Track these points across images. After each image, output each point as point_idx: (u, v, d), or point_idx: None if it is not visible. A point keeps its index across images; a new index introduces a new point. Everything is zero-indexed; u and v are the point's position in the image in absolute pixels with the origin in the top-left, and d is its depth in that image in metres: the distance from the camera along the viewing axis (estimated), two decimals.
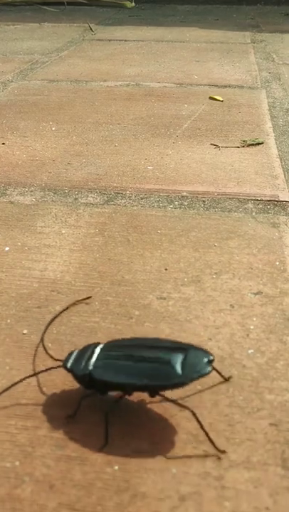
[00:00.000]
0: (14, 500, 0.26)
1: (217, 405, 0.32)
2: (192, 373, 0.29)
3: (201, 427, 0.29)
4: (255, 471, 0.28)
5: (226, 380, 0.33)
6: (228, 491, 0.27)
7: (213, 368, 0.31)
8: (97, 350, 0.31)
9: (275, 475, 0.28)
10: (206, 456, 0.29)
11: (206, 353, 0.30)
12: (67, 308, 0.38)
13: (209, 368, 0.29)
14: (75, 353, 0.32)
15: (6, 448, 0.29)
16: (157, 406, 0.32)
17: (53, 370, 0.32)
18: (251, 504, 0.26)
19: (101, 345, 0.32)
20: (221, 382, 0.33)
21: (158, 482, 0.27)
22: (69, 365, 0.31)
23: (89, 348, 0.32)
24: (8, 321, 0.39)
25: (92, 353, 0.31)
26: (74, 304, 0.38)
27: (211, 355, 0.30)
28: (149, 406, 0.32)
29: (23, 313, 0.39)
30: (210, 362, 0.30)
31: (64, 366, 0.31)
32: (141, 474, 0.28)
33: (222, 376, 0.33)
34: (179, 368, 0.29)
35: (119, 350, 0.31)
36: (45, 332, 0.37)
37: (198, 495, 0.27)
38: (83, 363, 0.30)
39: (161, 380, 0.29)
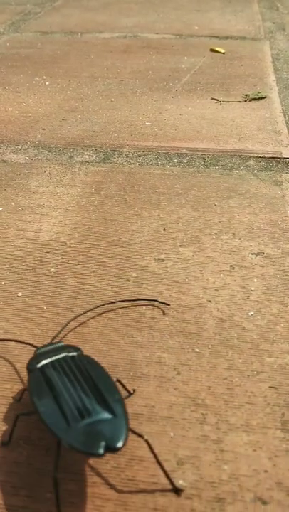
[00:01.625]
0: (10, 464, 0.26)
1: (216, 368, 0.31)
2: (79, 443, 0.23)
3: (155, 456, 0.25)
4: (254, 435, 0.27)
5: (130, 393, 0.29)
6: (227, 454, 0.27)
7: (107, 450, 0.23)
8: (57, 356, 0.27)
9: (275, 438, 0.27)
10: (204, 419, 0.28)
11: (119, 437, 0.23)
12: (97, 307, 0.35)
13: (101, 451, 0.23)
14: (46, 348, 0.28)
15: (1, 412, 0.29)
16: (155, 370, 0.31)
17: None
18: (250, 467, 0.26)
19: (65, 355, 0.28)
20: (219, 344, 0.32)
21: (155, 446, 0.27)
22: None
23: (56, 351, 0.28)
24: (2, 283, 0.38)
25: (50, 355, 0.27)
26: (153, 304, 0.35)
27: (121, 443, 0.23)
28: (145, 370, 0.31)
29: (17, 276, 0.38)
30: (110, 449, 0.23)
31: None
32: (138, 438, 0.27)
33: (126, 390, 0.29)
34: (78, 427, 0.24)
35: (66, 372, 0.26)
36: (64, 327, 0.33)
37: (197, 458, 0.26)
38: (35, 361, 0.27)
39: (55, 428, 0.24)
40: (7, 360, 0.32)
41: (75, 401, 0.25)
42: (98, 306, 0.35)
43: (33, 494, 0.25)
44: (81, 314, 0.34)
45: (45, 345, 0.29)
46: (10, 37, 0.96)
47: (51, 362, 0.27)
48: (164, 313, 0.34)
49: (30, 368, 0.27)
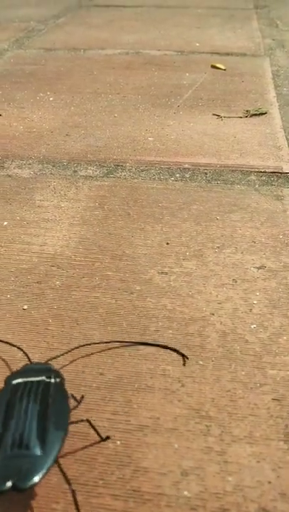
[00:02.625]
0: None
1: (219, 381, 0.31)
2: None
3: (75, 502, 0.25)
4: (257, 446, 0.28)
5: (103, 439, 0.28)
6: (231, 465, 0.27)
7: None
8: (34, 378, 0.27)
9: (278, 449, 0.28)
10: (208, 431, 0.29)
11: (30, 478, 0.23)
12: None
13: (4, 488, 0.23)
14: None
15: None
16: (159, 382, 0.31)
17: None
18: (254, 478, 0.26)
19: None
20: (222, 357, 0.33)
21: (160, 457, 0.27)
22: None
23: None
24: (8, 296, 0.38)
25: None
26: None
27: (28, 485, 0.23)
28: (150, 382, 0.31)
29: (22, 289, 0.39)
30: (16, 487, 0.23)
31: None
32: (143, 449, 0.28)
33: (99, 436, 0.28)
34: None
35: (30, 397, 0.26)
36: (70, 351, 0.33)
37: (201, 470, 0.27)
38: None
39: None
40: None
41: (17, 429, 0.25)
42: (109, 342, 0.34)
43: (41, 505, 0.25)
44: (87, 345, 0.33)
45: (35, 363, 0.29)
46: (14, 53, 0.98)
47: (24, 382, 0.27)
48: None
49: (6, 382, 0.28)
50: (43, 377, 0.28)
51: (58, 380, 0.28)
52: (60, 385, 0.28)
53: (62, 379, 0.28)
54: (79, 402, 0.29)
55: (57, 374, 0.28)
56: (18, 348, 0.33)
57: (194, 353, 0.33)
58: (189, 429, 0.29)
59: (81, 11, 1.37)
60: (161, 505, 0.25)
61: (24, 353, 0.32)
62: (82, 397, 0.30)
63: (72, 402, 0.29)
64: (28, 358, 0.31)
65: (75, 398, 0.29)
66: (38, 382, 0.27)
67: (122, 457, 0.27)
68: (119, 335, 0.35)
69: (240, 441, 0.28)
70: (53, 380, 0.27)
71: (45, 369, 0.28)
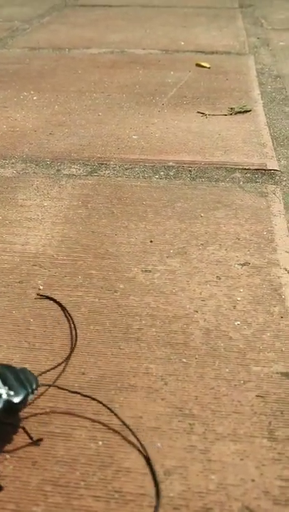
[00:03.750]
0: None
1: (203, 378, 0.31)
2: None
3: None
4: (241, 444, 0.28)
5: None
6: (214, 464, 0.27)
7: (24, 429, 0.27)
8: None
9: (262, 447, 0.27)
10: (192, 429, 0.28)
11: None
12: None
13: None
14: None
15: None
16: (142, 381, 0.31)
17: None
18: (238, 476, 0.26)
19: None
20: (206, 354, 0.33)
21: (142, 457, 0.27)
22: None
23: None
24: None
25: None
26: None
27: None
28: (133, 381, 0.31)
29: (4, 289, 0.38)
30: None
31: None
32: (125, 449, 0.27)
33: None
34: None
35: None
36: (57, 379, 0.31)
37: (184, 469, 0.26)
38: None
39: None
40: None
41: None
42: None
43: (21, 508, 0.25)
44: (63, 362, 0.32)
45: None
46: None
47: None
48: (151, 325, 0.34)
49: None
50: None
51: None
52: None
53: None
54: (35, 442, 0.28)
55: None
56: None
57: (177, 351, 0.33)
58: (172, 428, 0.28)
59: (66, 10, 1.36)
60: (143, 505, 0.25)
61: None
62: (40, 439, 0.28)
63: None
64: None
65: (31, 437, 0.28)
66: None
67: (103, 458, 0.27)
68: (102, 334, 0.34)
69: (223, 439, 0.28)
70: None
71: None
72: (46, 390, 0.30)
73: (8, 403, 0.27)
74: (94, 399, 0.29)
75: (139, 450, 0.26)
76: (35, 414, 0.29)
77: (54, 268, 0.40)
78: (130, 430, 0.27)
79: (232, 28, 1.14)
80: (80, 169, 0.55)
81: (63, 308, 0.34)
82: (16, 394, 0.27)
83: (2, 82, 0.81)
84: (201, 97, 0.75)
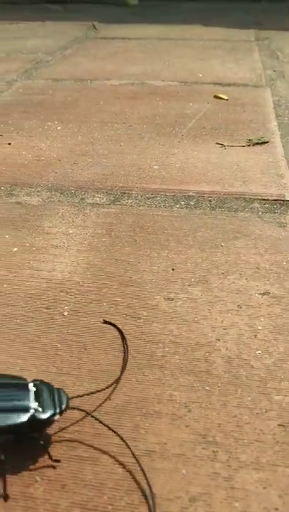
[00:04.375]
0: (27, 499, 0.27)
1: (226, 406, 0.32)
2: None
3: None
4: (264, 472, 0.28)
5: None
6: (238, 491, 0.27)
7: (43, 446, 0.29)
8: None
9: (284, 475, 0.28)
10: (215, 456, 0.29)
11: None
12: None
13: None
14: None
15: (19, 447, 0.29)
16: (166, 407, 0.32)
17: None
18: (261, 505, 0.27)
19: None
20: (228, 382, 0.33)
21: (168, 482, 0.28)
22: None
23: None
24: (18, 321, 0.39)
25: None
26: None
27: None
28: (157, 408, 0.32)
29: (32, 314, 0.40)
30: None
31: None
32: (151, 474, 0.28)
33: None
34: None
35: None
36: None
37: (208, 495, 0.27)
38: None
39: None
40: None
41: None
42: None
43: None
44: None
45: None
46: (22, 84, 1.01)
47: None
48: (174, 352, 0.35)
49: None
50: None
51: None
52: None
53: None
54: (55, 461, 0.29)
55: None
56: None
57: (200, 379, 0.34)
58: (196, 455, 0.29)
59: (87, 42, 1.41)
60: None
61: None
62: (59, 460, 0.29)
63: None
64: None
65: (50, 457, 0.29)
66: None
67: (130, 482, 0.28)
68: (127, 360, 0.35)
69: (247, 467, 0.28)
70: None
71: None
72: (82, 418, 0.31)
73: (34, 418, 0.28)
74: (115, 432, 0.30)
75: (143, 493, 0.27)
76: (64, 438, 0.30)
77: (80, 295, 0.42)
78: (142, 470, 0.28)
79: (249, 61, 1.17)
80: (103, 198, 0.57)
81: (123, 338, 0.36)
82: (44, 411, 0.28)
83: (27, 113, 0.84)
84: (219, 128, 0.77)
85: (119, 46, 1.35)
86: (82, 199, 0.57)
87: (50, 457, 0.29)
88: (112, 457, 0.29)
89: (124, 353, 0.36)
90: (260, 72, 1.07)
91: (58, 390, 0.30)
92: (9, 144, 0.72)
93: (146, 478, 0.27)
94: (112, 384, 0.33)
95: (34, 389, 0.29)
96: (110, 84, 0.99)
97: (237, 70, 1.09)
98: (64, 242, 0.49)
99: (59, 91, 0.96)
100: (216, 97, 0.91)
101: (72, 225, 0.52)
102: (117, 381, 0.33)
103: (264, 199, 0.56)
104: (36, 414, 0.28)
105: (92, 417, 0.30)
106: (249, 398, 0.32)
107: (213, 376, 0.34)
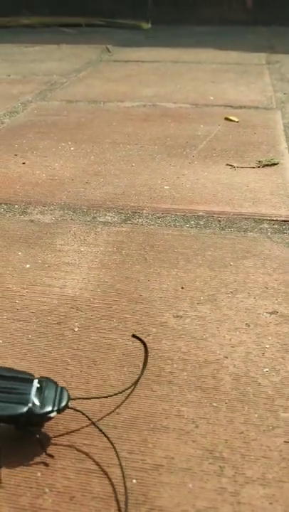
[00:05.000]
0: (36, 510, 0.27)
1: (233, 422, 0.32)
2: None
3: None
4: (270, 488, 0.28)
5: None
6: (244, 506, 0.28)
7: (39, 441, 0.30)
8: None
9: None
10: (222, 472, 0.29)
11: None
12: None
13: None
14: None
15: (29, 459, 0.30)
16: (174, 422, 0.32)
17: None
18: None
19: None
20: (236, 399, 0.34)
21: (175, 496, 0.28)
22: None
23: None
24: (30, 336, 0.40)
25: None
26: None
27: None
28: (165, 423, 0.32)
29: (43, 329, 0.41)
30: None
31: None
32: (158, 488, 0.28)
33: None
34: None
35: None
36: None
37: (215, 510, 0.27)
38: None
39: None
40: None
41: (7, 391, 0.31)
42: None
43: None
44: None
45: None
46: (37, 105, 1.03)
47: None
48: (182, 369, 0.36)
49: None
50: None
51: None
52: None
53: None
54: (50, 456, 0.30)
55: None
56: None
57: (208, 395, 0.34)
58: (203, 470, 0.29)
59: (101, 65, 1.44)
60: None
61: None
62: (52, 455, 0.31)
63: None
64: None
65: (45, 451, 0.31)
66: None
67: (137, 496, 0.28)
68: (136, 376, 0.36)
69: (253, 482, 0.29)
70: None
71: None
72: (85, 425, 0.31)
73: (31, 412, 0.30)
74: (114, 448, 0.30)
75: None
76: (73, 451, 0.30)
77: (90, 311, 0.43)
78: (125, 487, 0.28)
79: (259, 84, 1.19)
80: (114, 217, 0.58)
81: (146, 352, 0.37)
82: (42, 407, 0.30)
83: (42, 133, 0.86)
84: (229, 149, 0.78)
85: (133, 69, 1.38)
86: (94, 218, 0.58)
87: (45, 451, 0.30)
88: (120, 470, 0.29)
89: (143, 367, 0.36)
90: (270, 95, 1.09)
91: (62, 389, 0.31)
92: (24, 163, 0.74)
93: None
94: (124, 390, 0.34)
95: (38, 385, 0.31)
96: (123, 106, 1.02)
97: (248, 93, 1.11)
98: (75, 260, 0.50)
99: (73, 112, 0.98)
100: (226, 119, 0.92)
101: (83, 242, 0.53)
102: (135, 382, 0.34)
103: (273, 220, 0.57)
104: (33, 409, 0.30)
105: (89, 419, 0.32)
106: (256, 415, 0.33)
107: (220, 393, 0.35)
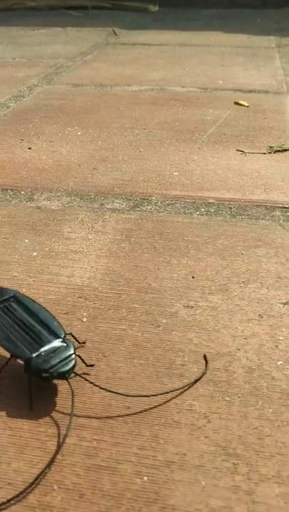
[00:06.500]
0: (44, 508, 0.27)
1: (246, 418, 0.31)
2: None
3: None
4: (285, 486, 0.28)
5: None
6: (259, 505, 0.27)
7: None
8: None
9: None
10: (235, 469, 0.28)
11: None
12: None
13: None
14: None
15: (37, 455, 0.29)
16: (186, 417, 0.31)
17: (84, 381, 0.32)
18: None
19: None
20: (249, 393, 0.33)
21: (187, 494, 0.27)
22: None
23: None
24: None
25: None
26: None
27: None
28: (176, 418, 0.31)
29: None
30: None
31: None
32: (170, 486, 0.28)
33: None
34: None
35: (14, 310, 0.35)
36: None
37: (229, 509, 0.26)
38: None
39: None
40: None
41: (29, 333, 0.33)
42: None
43: None
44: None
45: None
46: (43, 89, 1.01)
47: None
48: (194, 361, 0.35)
49: None
50: (6, 296, 0.36)
51: (16, 294, 0.37)
52: (21, 296, 0.37)
53: (17, 292, 0.37)
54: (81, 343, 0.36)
55: (8, 291, 0.37)
56: None
57: (220, 389, 0.33)
58: (216, 467, 0.29)
59: (108, 48, 1.42)
60: None
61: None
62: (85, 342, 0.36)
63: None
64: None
65: (78, 341, 0.36)
66: (7, 299, 0.36)
67: (149, 493, 0.27)
68: (146, 368, 0.35)
69: (268, 480, 0.28)
70: (12, 294, 0.37)
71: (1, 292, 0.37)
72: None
73: (29, 360, 0.31)
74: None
75: None
76: (83, 446, 0.30)
77: (99, 301, 0.42)
78: None
79: (270, 68, 1.16)
80: (122, 204, 0.57)
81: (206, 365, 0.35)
82: (41, 364, 0.31)
83: (48, 118, 0.85)
84: (240, 135, 0.76)
85: (140, 52, 1.35)
86: (101, 204, 0.57)
87: (85, 363, 0.34)
88: (131, 467, 0.28)
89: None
90: (281, 79, 1.06)
91: (72, 360, 0.32)
92: (30, 148, 0.72)
93: None
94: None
95: (57, 344, 0.32)
96: (131, 90, 1.00)
97: (258, 77, 1.08)
98: (83, 248, 0.49)
99: (79, 96, 0.96)
100: (236, 103, 0.90)
101: (91, 230, 0.52)
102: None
103: (285, 207, 0.56)
104: (33, 360, 0.31)
105: (88, 382, 0.32)
106: (270, 410, 0.32)
107: (233, 386, 0.34)
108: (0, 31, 1.67)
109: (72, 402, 0.31)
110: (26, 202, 0.58)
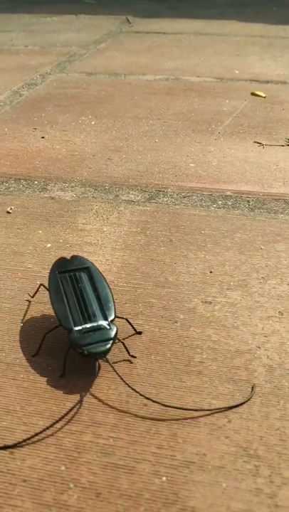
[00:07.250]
0: (60, 506, 0.26)
1: (268, 418, 0.30)
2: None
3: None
4: None
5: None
6: (282, 510, 0.26)
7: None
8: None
9: None
10: (257, 471, 0.28)
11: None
12: None
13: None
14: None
15: (52, 452, 0.29)
16: (205, 417, 0.31)
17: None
18: None
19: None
20: (270, 393, 0.32)
21: (208, 496, 0.26)
22: None
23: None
24: (52, 320, 0.38)
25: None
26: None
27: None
28: (195, 415, 0.31)
29: None
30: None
31: None
32: (189, 487, 0.27)
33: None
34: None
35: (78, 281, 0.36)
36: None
37: None
38: None
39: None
40: None
41: (82, 307, 0.34)
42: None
43: None
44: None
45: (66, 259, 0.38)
46: (56, 77, 1.00)
47: (69, 271, 0.37)
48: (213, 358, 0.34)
49: (52, 275, 0.37)
50: (79, 266, 0.37)
51: (91, 267, 0.37)
52: (94, 270, 0.37)
53: (93, 265, 0.38)
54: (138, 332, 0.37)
55: (85, 261, 0.38)
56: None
57: (241, 388, 0.32)
58: (237, 468, 0.28)
59: (122, 36, 1.40)
60: None
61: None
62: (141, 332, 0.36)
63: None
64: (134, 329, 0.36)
65: (134, 329, 0.36)
66: (79, 269, 0.37)
67: (168, 494, 0.26)
68: (163, 365, 0.34)
69: None
70: (87, 266, 0.37)
71: (77, 260, 0.38)
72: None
73: (68, 332, 0.32)
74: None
75: None
76: (99, 444, 0.29)
77: (115, 295, 0.40)
78: None
79: (287, 58, 1.14)
80: (138, 195, 0.56)
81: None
82: (78, 339, 0.32)
83: (62, 106, 0.83)
84: (257, 126, 0.75)
85: (154, 41, 1.33)
86: (116, 196, 0.56)
87: (135, 330, 0.36)
88: (149, 466, 0.28)
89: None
90: None
91: (109, 344, 0.32)
92: (43, 137, 0.71)
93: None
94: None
95: (103, 325, 0.33)
96: (145, 79, 0.98)
97: (275, 67, 1.06)
98: (98, 240, 0.48)
99: (93, 85, 0.95)
100: (253, 94, 0.88)
101: (106, 222, 0.51)
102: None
103: None
104: (72, 333, 0.32)
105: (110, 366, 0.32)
106: None
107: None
108: (12, 18, 1.66)
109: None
110: (40, 192, 0.57)
